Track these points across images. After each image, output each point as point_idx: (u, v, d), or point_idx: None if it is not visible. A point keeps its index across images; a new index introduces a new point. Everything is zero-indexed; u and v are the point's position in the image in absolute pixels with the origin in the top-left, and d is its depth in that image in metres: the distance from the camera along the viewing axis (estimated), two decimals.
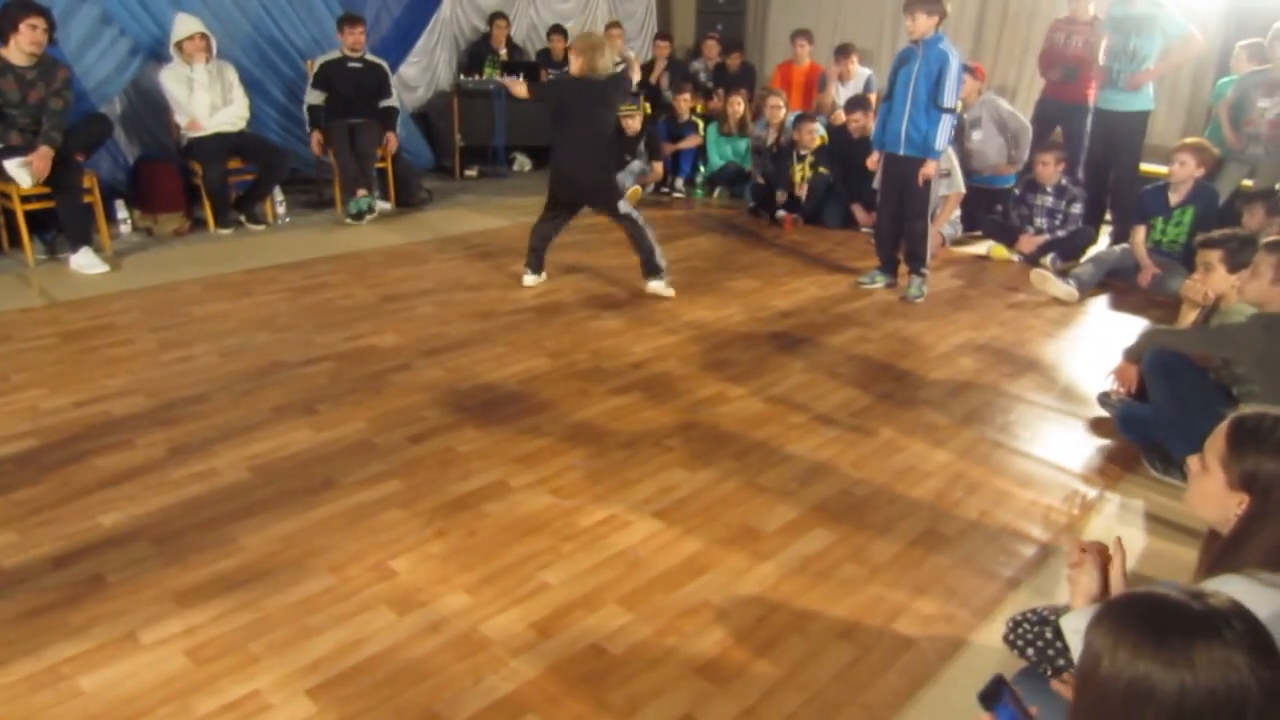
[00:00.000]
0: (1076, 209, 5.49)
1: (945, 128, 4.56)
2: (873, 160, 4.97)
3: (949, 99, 4.51)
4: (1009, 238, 5.69)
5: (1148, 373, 3.06)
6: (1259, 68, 5.24)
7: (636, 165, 6.83)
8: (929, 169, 4.65)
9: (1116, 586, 1.57)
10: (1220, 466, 1.48)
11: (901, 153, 4.68)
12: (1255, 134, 5.13)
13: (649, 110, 7.38)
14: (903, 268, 5.00)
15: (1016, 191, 5.78)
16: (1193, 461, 1.57)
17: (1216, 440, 1.51)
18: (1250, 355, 2.77)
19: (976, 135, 5.99)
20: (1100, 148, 5.68)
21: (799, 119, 6.44)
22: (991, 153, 6.02)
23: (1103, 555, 1.60)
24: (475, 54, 7.85)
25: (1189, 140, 4.95)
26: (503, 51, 7.76)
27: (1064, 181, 5.48)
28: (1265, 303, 2.79)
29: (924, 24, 4.45)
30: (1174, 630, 0.99)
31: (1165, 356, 3.01)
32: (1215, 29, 6.20)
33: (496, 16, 7.80)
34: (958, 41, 6.18)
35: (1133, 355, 3.21)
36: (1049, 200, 5.53)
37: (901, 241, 4.95)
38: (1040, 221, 5.58)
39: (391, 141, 6.23)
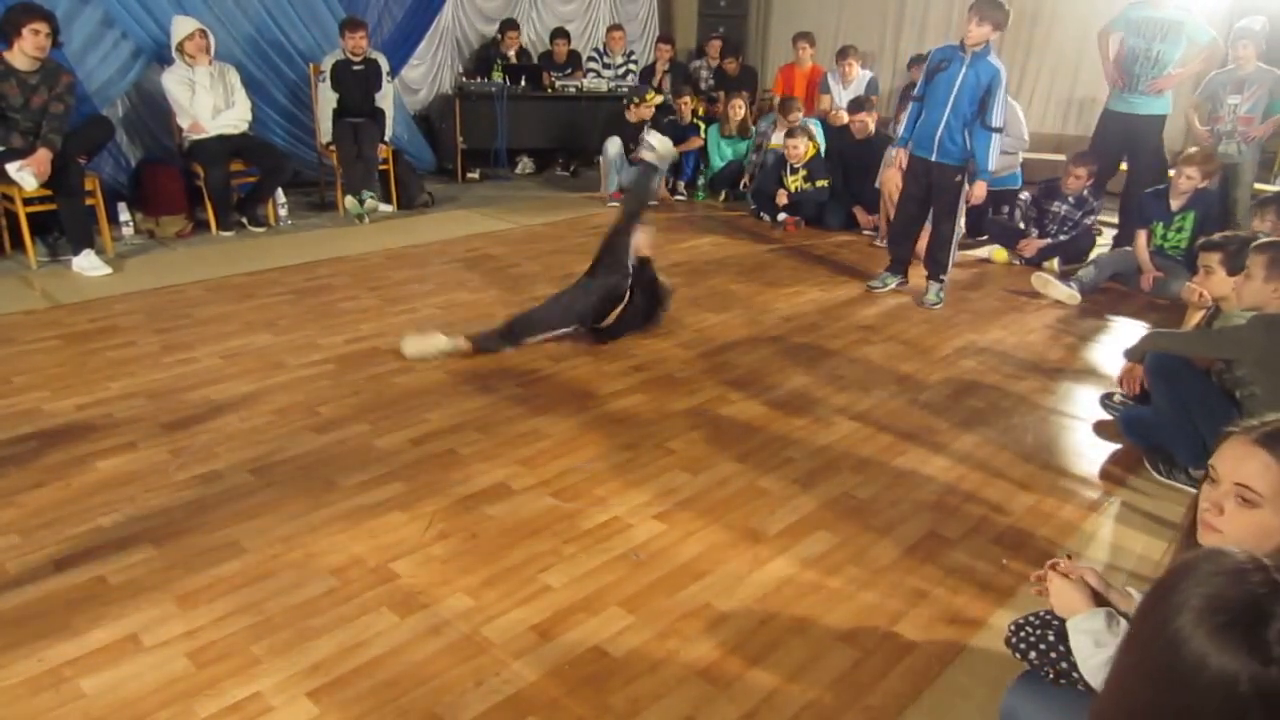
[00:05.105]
0: (1089, 220, 5.46)
1: (995, 148, 4.43)
2: (897, 158, 4.84)
3: (998, 119, 4.38)
4: (1013, 240, 5.68)
5: (1149, 375, 3.05)
6: (1225, 67, 5.28)
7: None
8: (980, 191, 4.57)
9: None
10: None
11: (934, 159, 4.56)
12: (1226, 130, 5.20)
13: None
14: (915, 269, 4.95)
15: (1024, 196, 5.72)
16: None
17: None
18: (1251, 357, 2.76)
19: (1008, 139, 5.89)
20: (1115, 150, 5.63)
21: (787, 134, 6.35)
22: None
23: (1064, 574, 1.57)
24: (484, 58, 7.87)
25: (1192, 152, 4.92)
26: (511, 54, 7.77)
27: (1086, 193, 5.42)
28: (1262, 304, 2.78)
29: (984, 33, 4.28)
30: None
31: (1167, 359, 3.00)
32: (1217, 29, 6.19)
33: (509, 26, 7.84)
34: None
35: (1133, 356, 3.21)
36: (1065, 208, 5.47)
37: (914, 244, 4.91)
38: (1051, 228, 5.53)
39: (382, 151, 6.22)
